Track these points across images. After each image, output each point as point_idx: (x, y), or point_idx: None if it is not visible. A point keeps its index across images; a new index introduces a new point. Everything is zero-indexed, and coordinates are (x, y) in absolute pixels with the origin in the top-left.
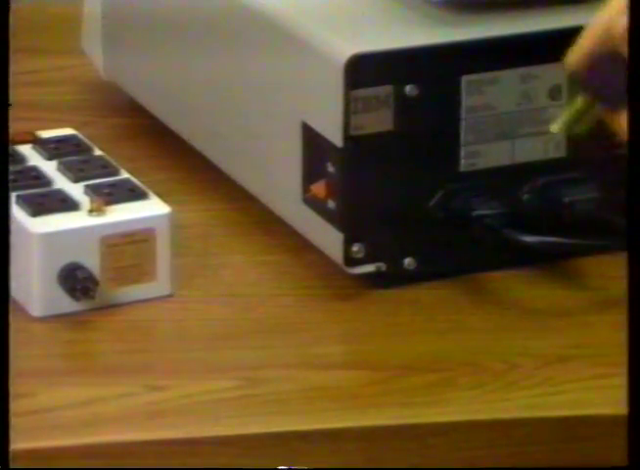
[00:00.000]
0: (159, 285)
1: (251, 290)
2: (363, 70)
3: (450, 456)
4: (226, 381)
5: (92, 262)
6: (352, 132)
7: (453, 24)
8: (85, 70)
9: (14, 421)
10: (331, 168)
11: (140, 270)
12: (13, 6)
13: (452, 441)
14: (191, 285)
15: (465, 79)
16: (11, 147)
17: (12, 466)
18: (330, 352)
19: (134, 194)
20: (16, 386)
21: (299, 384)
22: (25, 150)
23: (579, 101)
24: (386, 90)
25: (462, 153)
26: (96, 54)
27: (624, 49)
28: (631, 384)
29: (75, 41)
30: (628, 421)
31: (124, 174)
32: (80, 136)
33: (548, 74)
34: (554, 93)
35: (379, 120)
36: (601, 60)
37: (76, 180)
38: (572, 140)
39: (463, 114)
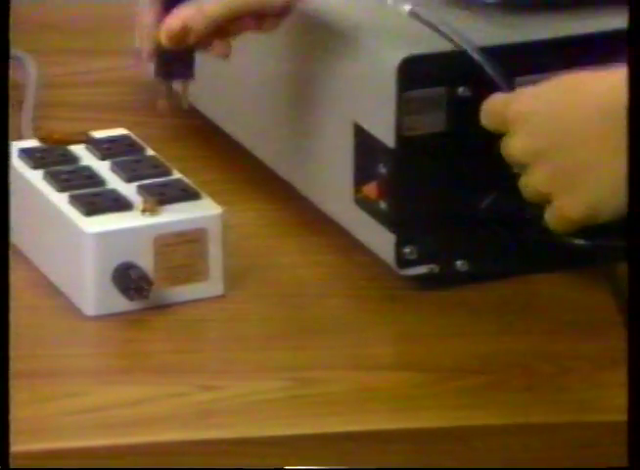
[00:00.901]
0: (210, 285)
1: (302, 290)
2: (416, 72)
3: (501, 459)
4: (276, 381)
5: (145, 262)
6: (405, 133)
7: (506, 26)
8: (137, 71)
9: (67, 419)
10: (383, 169)
11: (192, 270)
12: (66, 6)
13: (503, 444)
14: (242, 285)
15: (518, 81)
16: (64, 147)
17: (12, 466)
18: (380, 354)
19: (186, 194)
20: (68, 385)
21: (349, 385)
22: (79, 150)
23: None
24: (438, 91)
25: None
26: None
27: None
28: (631, 385)
29: (129, 41)
30: (628, 422)
31: (176, 174)
32: (133, 136)
33: None
34: None
35: (431, 122)
36: None
37: (129, 180)
38: None
39: None
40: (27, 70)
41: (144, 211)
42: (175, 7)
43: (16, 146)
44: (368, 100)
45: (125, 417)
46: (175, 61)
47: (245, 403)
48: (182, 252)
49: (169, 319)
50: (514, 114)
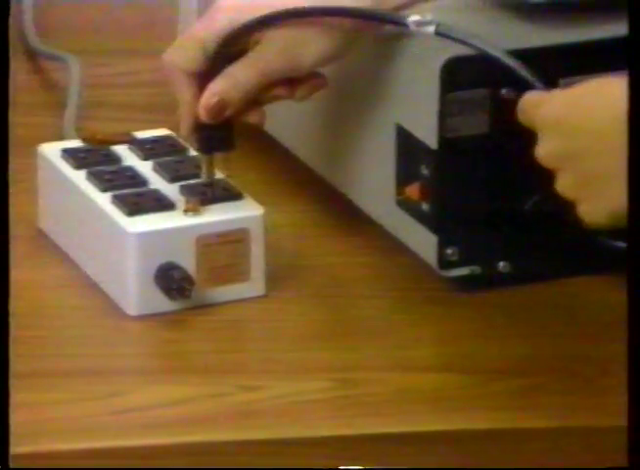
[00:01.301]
0: (252, 285)
1: (344, 291)
2: (459, 73)
3: (542, 462)
4: (318, 382)
5: (187, 262)
6: (447, 135)
7: (550, 27)
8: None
9: (109, 419)
10: (425, 171)
11: (234, 270)
12: (109, 8)
13: (544, 446)
14: (284, 286)
15: (562, 82)
16: (107, 147)
17: (12, 466)
18: (422, 355)
19: (228, 194)
20: (111, 384)
21: (391, 386)
22: (122, 150)
23: None
24: (482, 93)
25: None
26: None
27: None
28: (631, 385)
29: (170, 42)
30: (628, 422)
31: (218, 175)
32: (175, 137)
33: None
34: None
35: (474, 123)
36: None
37: (172, 180)
38: None
39: None
40: (71, 72)
41: (186, 211)
42: (210, 82)
43: (59, 146)
44: (411, 101)
45: (167, 417)
46: (215, 135)
47: (286, 404)
48: (224, 252)
49: (211, 319)
50: (543, 117)
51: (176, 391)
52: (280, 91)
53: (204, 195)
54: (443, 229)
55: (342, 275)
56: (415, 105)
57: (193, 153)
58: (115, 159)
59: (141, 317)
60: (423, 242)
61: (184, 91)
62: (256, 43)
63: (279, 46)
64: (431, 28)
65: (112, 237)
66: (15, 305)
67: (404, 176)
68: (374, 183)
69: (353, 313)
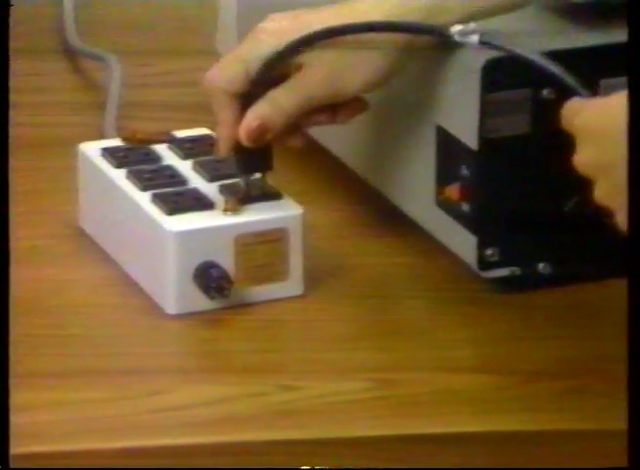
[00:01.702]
0: (290, 285)
1: (383, 292)
2: (500, 74)
3: (582, 464)
4: (357, 382)
5: (226, 261)
6: (488, 135)
7: (592, 28)
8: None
9: (149, 417)
10: (465, 171)
11: (272, 270)
12: (149, 8)
13: (583, 449)
14: (322, 286)
15: (603, 83)
16: (147, 146)
17: (12, 466)
18: (461, 356)
19: (267, 194)
20: (150, 383)
21: (430, 387)
22: (161, 149)
23: None
24: (522, 93)
25: None
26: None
27: None
28: (631, 384)
29: (210, 42)
30: (628, 422)
31: (257, 174)
32: (215, 136)
33: None
34: None
35: (515, 124)
36: None
37: (211, 180)
38: None
39: None
40: (111, 71)
41: (225, 210)
42: (252, 104)
43: (99, 145)
44: (452, 102)
45: (206, 416)
46: (254, 156)
47: (325, 404)
48: (262, 251)
49: (249, 319)
50: (580, 125)
51: (215, 390)
52: (321, 116)
53: (243, 194)
54: (483, 230)
55: (380, 275)
56: (456, 105)
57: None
58: (155, 158)
59: (180, 316)
60: (462, 242)
61: (224, 112)
62: (300, 67)
63: (323, 72)
64: (475, 38)
65: (151, 236)
66: (55, 303)
67: (444, 177)
68: (414, 183)
69: (392, 314)
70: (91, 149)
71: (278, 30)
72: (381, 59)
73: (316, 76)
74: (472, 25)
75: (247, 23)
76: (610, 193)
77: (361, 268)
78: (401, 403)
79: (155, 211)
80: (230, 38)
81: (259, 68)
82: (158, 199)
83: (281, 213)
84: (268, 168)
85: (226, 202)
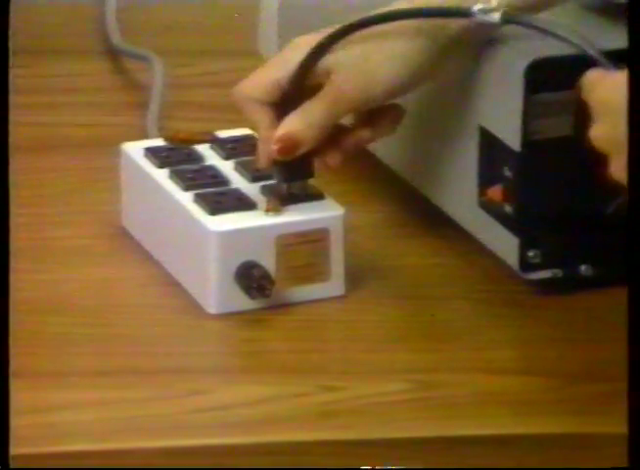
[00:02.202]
0: (332, 285)
1: (424, 292)
2: (544, 75)
3: (624, 467)
4: (398, 383)
5: (267, 261)
6: (531, 137)
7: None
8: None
9: (191, 417)
10: (508, 173)
11: (314, 270)
12: (192, 8)
13: (625, 452)
14: (363, 286)
15: None
16: (189, 146)
17: (12, 466)
18: (502, 358)
19: (309, 194)
20: (192, 382)
21: (471, 388)
22: (203, 149)
23: None
24: (566, 95)
25: None
26: (272, 56)
27: None
28: (631, 384)
29: (251, 43)
30: (629, 422)
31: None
32: (256, 136)
33: None
34: None
35: (558, 125)
36: None
37: (253, 180)
38: None
39: None
40: (154, 71)
41: (267, 210)
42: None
43: (142, 145)
44: (495, 103)
45: (247, 416)
46: (295, 164)
47: (367, 405)
48: (304, 252)
49: (290, 319)
50: (597, 98)
51: (256, 390)
52: (362, 131)
53: (284, 195)
54: (525, 231)
55: (422, 276)
56: (499, 107)
57: None
58: (197, 158)
59: (221, 316)
60: (504, 244)
61: (259, 121)
62: (329, 74)
63: (350, 74)
64: (496, 15)
65: (193, 235)
66: (97, 303)
67: (487, 178)
68: (456, 184)
69: (433, 315)
70: (134, 149)
71: (309, 43)
72: (411, 58)
73: (344, 78)
74: (494, 2)
75: (288, 24)
76: (624, 169)
77: (402, 269)
78: (442, 405)
79: (197, 211)
80: (271, 39)
81: (291, 77)
82: (200, 199)
83: (322, 214)
84: (309, 175)
85: (268, 202)
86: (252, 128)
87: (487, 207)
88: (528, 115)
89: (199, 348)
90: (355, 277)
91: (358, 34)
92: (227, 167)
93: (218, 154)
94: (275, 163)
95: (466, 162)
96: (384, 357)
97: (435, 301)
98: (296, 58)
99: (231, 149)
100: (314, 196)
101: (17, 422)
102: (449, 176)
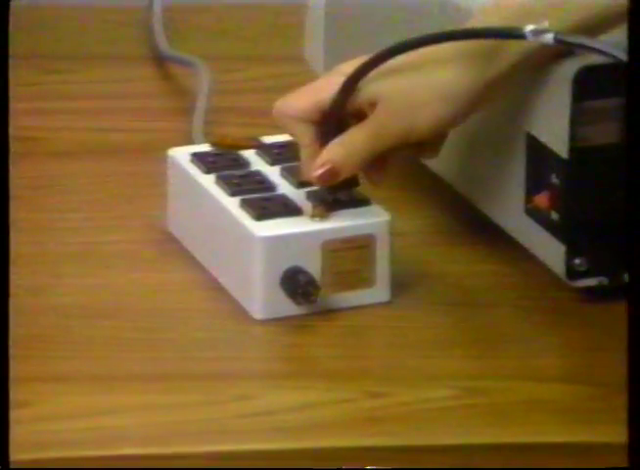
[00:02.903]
0: (377, 291)
1: (469, 299)
2: (591, 82)
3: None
4: (444, 390)
5: (313, 267)
6: (578, 144)
7: None
8: (305, 77)
9: (236, 422)
10: (555, 180)
11: (359, 276)
12: (238, 13)
13: None
14: (409, 293)
15: None
16: (236, 152)
17: (12, 467)
18: (549, 365)
19: (355, 200)
20: (237, 388)
21: (518, 396)
22: (249, 155)
23: None
24: (614, 102)
25: None
26: (318, 62)
27: None
28: (631, 384)
29: (298, 48)
30: (628, 422)
31: None
32: None
33: None
34: None
35: (606, 132)
36: None
37: (299, 186)
38: None
39: None
40: (201, 76)
41: (313, 216)
42: (328, 135)
43: (188, 150)
44: (542, 110)
45: (292, 422)
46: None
47: (412, 411)
48: (349, 257)
49: (335, 325)
50: None
51: (302, 395)
52: (406, 153)
53: (330, 201)
54: (572, 239)
55: (467, 283)
56: (546, 113)
57: None
58: (244, 163)
59: (266, 321)
60: (551, 251)
61: (300, 138)
62: (373, 104)
63: (394, 107)
64: (549, 36)
65: (239, 241)
66: (144, 307)
67: (534, 185)
68: (503, 191)
69: (479, 321)
70: (181, 154)
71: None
72: (457, 95)
73: (388, 113)
74: (545, 24)
75: (334, 30)
76: None
77: (448, 276)
78: (487, 412)
79: (243, 217)
80: (318, 44)
81: (335, 94)
82: (246, 204)
83: (368, 220)
84: (355, 185)
85: (314, 207)
86: (294, 140)
87: (534, 214)
88: (576, 122)
89: (244, 353)
90: (401, 283)
91: (405, 58)
92: (273, 173)
93: (264, 159)
94: None
95: (513, 168)
96: (429, 364)
97: (481, 307)
98: (338, 82)
99: (277, 154)
100: (360, 202)
101: (64, 425)
102: (496, 183)
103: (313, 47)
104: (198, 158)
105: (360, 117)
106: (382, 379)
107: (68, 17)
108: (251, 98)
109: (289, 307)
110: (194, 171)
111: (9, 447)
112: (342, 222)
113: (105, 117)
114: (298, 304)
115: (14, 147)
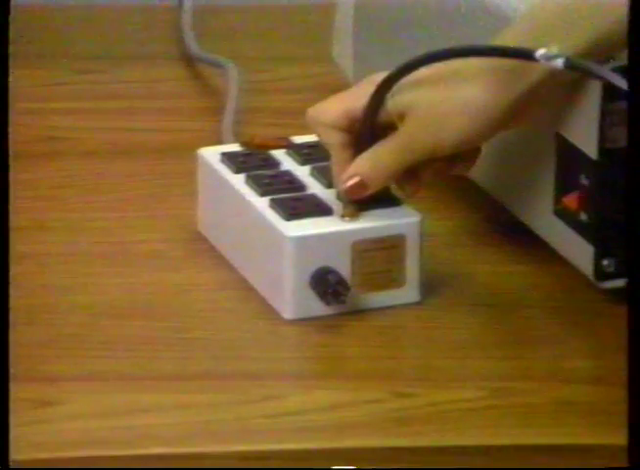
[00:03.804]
0: (407, 291)
1: (498, 300)
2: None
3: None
4: (473, 391)
5: (343, 267)
6: (608, 145)
7: None
8: (334, 77)
9: (265, 422)
10: (584, 181)
11: (389, 276)
12: (267, 14)
13: None
14: (439, 293)
15: None
16: (266, 152)
17: (12, 467)
18: (578, 367)
19: (386, 200)
20: (266, 387)
21: (547, 397)
22: (279, 155)
23: None
24: None
25: None
26: (347, 62)
27: None
28: (631, 384)
29: (326, 49)
30: (628, 421)
31: None
32: None
33: None
34: None
35: None
36: None
37: (329, 185)
38: None
39: None
40: (230, 77)
41: (343, 216)
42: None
43: (218, 150)
44: (572, 111)
45: (322, 422)
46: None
47: (441, 412)
48: (380, 258)
49: (365, 325)
50: None
51: (329, 396)
52: (438, 166)
53: (361, 201)
54: (601, 240)
55: (497, 284)
56: (576, 114)
57: None
58: (274, 163)
59: (296, 321)
60: (579, 252)
61: (331, 144)
62: (402, 117)
63: (422, 120)
64: (559, 61)
65: (269, 240)
66: (174, 307)
67: (563, 186)
68: (532, 192)
69: (508, 322)
70: (211, 154)
71: None
72: (484, 109)
73: (416, 127)
74: (555, 49)
75: (363, 31)
76: None
77: (477, 276)
78: (517, 413)
79: (273, 217)
80: (346, 45)
81: (366, 104)
82: (276, 204)
83: (399, 220)
84: (387, 198)
85: (344, 207)
86: (325, 145)
87: (563, 215)
88: (606, 123)
89: (273, 353)
90: (431, 284)
91: (434, 69)
92: (303, 173)
93: (294, 159)
94: None
95: (542, 169)
96: (458, 364)
97: (510, 308)
98: (370, 91)
99: (307, 154)
100: (391, 202)
101: (95, 424)
102: (525, 184)
103: (342, 47)
104: (228, 157)
105: (392, 128)
106: (410, 379)
107: (98, 17)
108: (282, 98)
109: (318, 308)
110: (224, 171)
111: (9, 448)
112: (373, 222)
113: (134, 118)
114: (328, 304)
115: (44, 147)
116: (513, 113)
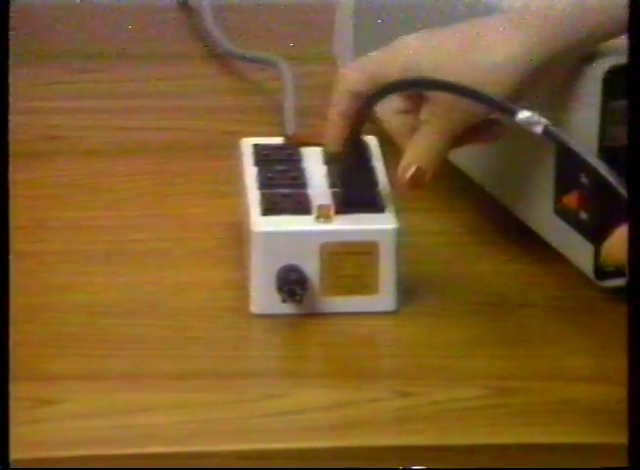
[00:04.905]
0: (381, 299)
1: (499, 299)
2: (621, 82)
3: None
4: (474, 389)
5: (311, 268)
6: (607, 144)
7: None
8: (334, 76)
9: (264, 421)
10: (584, 180)
11: (361, 282)
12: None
13: None
14: (439, 291)
15: None
16: (295, 147)
17: (12, 466)
18: (579, 366)
19: (372, 206)
20: (266, 386)
21: (548, 396)
22: (311, 152)
23: None
24: None
25: None
26: (346, 60)
27: None
28: (631, 384)
29: (326, 47)
30: (628, 421)
31: (384, 186)
32: (374, 144)
33: None
34: None
35: None
36: None
37: (332, 186)
38: None
39: None
40: (282, 73)
41: (318, 217)
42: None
43: (254, 142)
44: (571, 109)
45: (320, 421)
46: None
47: (441, 411)
48: (351, 262)
49: (366, 324)
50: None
51: (331, 394)
52: (469, 139)
53: (348, 203)
54: (601, 239)
55: (497, 283)
56: (576, 112)
57: (376, 162)
58: (295, 159)
59: (296, 321)
60: (580, 251)
61: (342, 107)
62: (427, 98)
63: (448, 104)
64: (539, 128)
65: (247, 234)
66: (173, 305)
67: (563, 184)
68: (532, 191)
69: (508, 321)
70: (247, 145)
71: (415, 50)
72: (510, 75)
73: (444, 108)
74: (536, 116)
75: (363, 29)
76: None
77: (477, 275)
78: (518, 412)
79: (254, 210)
80: (347, 44)
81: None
82: (263, 198)
83: (372, 226)
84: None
85: (319, 208)
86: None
87: (563, 213)
88: (606, 121)
89: (273, 352)
90: (431, 283)
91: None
92: (318, 171)
93: (322, 157)
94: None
95: (542, 168)
96: (459, 363)
97: (510, 307)
98: (400, 62)
99: (336, 154)
100: (375, 207)
101: (94, 423)
102: (525, 183)
103: (342, 46)
104: (257, 149)
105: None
106: (411, 378)
107: (98, 16)
108: (278, 97)
109: (284, 305)
110: (247, 162)
111: (9, 447)
112: (344, 226)
113: (134, 117)
114: (284, 301)
115: (44, 146)
116: (545, 66)
